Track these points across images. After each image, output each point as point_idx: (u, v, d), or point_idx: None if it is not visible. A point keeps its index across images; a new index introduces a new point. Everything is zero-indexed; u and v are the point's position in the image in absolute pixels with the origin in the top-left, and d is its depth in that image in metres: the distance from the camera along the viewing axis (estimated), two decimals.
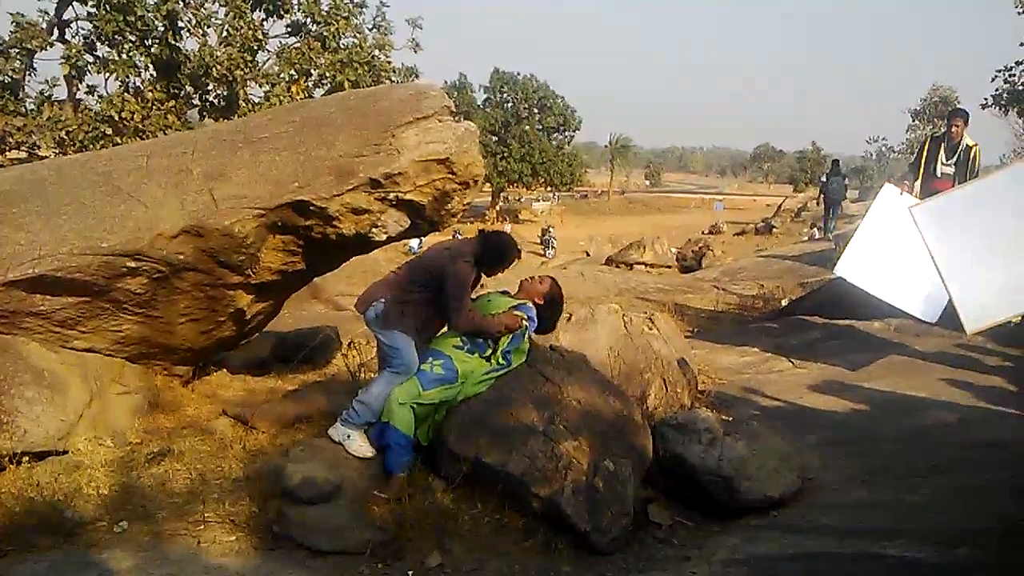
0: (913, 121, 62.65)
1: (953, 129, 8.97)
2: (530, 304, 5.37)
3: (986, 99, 29.48)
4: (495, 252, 5.21)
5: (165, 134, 14.62)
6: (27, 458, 4.87)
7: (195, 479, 4.97)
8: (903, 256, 7.40)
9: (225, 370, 7.16)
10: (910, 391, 6.65)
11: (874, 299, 7.67)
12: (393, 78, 18.76)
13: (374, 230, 5.63)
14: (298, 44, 18.29)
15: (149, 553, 4.14)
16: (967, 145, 8.85)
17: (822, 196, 22.50)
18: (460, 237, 5.38)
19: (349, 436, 5.00)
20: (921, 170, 9.03)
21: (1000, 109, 29.40)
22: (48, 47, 16.46)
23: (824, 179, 22.45)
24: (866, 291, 7.62)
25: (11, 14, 15.95)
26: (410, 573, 4.18)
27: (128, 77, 16.61)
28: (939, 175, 8.88)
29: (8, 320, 5.26)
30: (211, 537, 4.39)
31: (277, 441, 5.60)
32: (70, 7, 16.94)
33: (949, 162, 8.89)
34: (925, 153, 9.12)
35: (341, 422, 5.05)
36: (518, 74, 65.49)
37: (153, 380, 6.16)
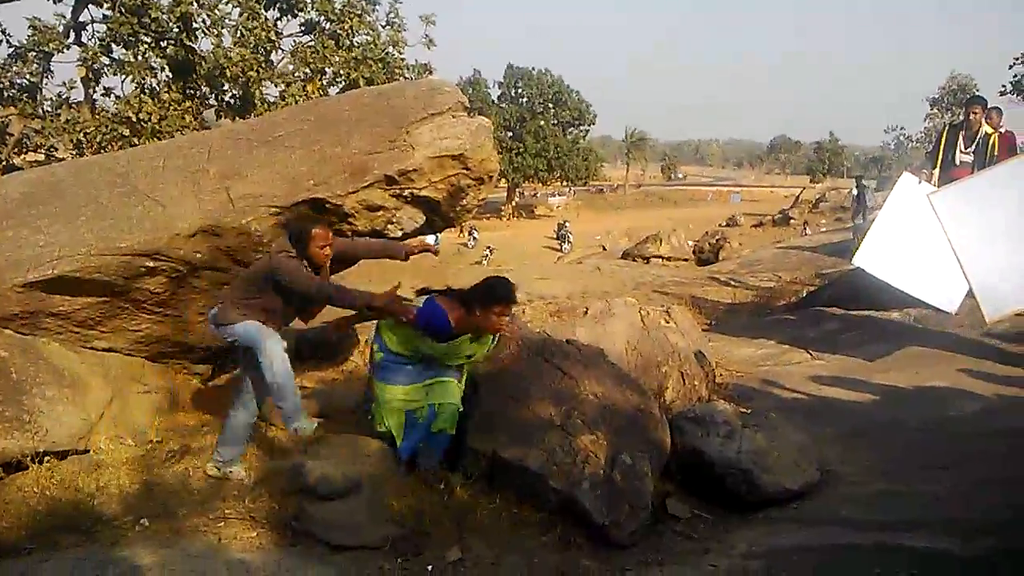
0: (931, 110, 62.26)
1: (971, 117, 8.87)
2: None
3: (1004, 86, 29.23)
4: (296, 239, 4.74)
5: (182, 134, 14.71)
6: (49, 457, 4.92)
7: (215, 476, 5.01)
8: (922, 245, 7.33)
9: None
10: (930, 382, 6.59)
11: (893, 289, 7.60)
12: (407, 75, 18.78)
13: (389, 227, 5.65)
14: (312, 42, 18.34)
15: (171, 550, 4.17)
16: (986, 133, 8.76)
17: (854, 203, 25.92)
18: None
19: (296, 426, 4.81)
20: (939, 159, 8.94)
21: (1019, 96, 29.13)
22: (65, 50, 16.62)
23: (855, 191, 26.48)
24: (885, 281, 7.56)
25: (28, 18, 16.10)
26: (430, 568, 4.19)
27: (144, 78, 16.75)
28: (958, 163, 8.78)
29: (29, 321, 5.31)
30: (232, 533, 4.41)
31: (295, 438, 5.63)
32: (86, 10, 17.06)
33: (967, 150, 8.80)
34: (943, 141, 9.03)
35: (285, 422, 4.91)
36: (532, 69, 65.48)
37: (173, 379, 6.21)
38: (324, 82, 18.12)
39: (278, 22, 18.00)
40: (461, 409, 4.83)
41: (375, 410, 4.97)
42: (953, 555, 3.75)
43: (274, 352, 4.71)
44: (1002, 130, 8.95)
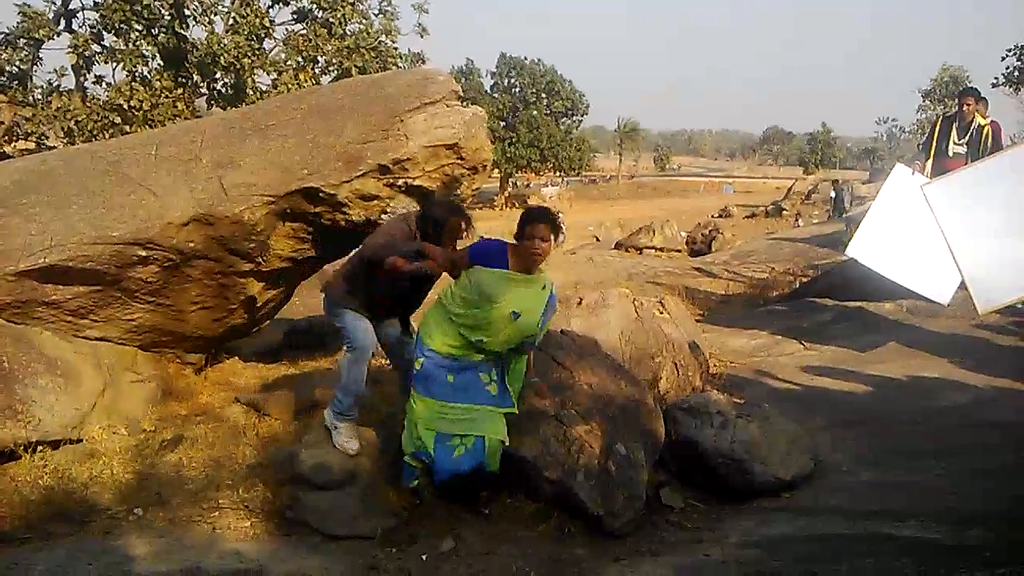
0: (924, 101, 62.34)
1: (964, 108, 8.88)
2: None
3: (997, 78, 29.29)
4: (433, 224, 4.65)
5: (173, 122, 14.64)
6: (42, 447, 4.91)
7: (209, 466, 5.00)
8: (915, 236, 7.34)
9: (237, 358, 7.19)
10: (922, 372, 6.62)
11: (886, 280, 7.61)
12: (400, 64, 18.72)
13: (383, 216, 5.63)
14: (304, 31, 18.26)
15: (165, 539, 4.17)
16: (979, 124, 8.77)
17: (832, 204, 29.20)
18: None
19: (336, 428, 4.80)
20: (932, 150, 8.95)
21: (1011, 88, 29.19)
22: (55, 37, 16.53)
23: (833, 194, 29.80)
24: (878, 272, 7.57)
25: (18, 4, 15.99)
26: (424, 557, 4.20)
27: (135, 66, 16.67)
28: (951, 155, 8.79)
29: (21, 310, 5.29)
30: (226, 523, 4.42)
31: (290, 428, 5.63)
32: None
33: (961, 142, 8.80)
34: (936, 133, 9.03)
35: (330, 409, 4.87)
36: (525, 59, 65.34)
37: (166, 368, 6.19)
38: (316, 71, 18.05)
39: (270, 10, 17.90)
40: (507, 443, 4.53)
41: (405, 436, 4.65)
42: (944, 544, 3.77)
43: (358, 356, 4.77)
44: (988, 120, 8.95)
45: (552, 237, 4.36)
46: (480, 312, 4.32)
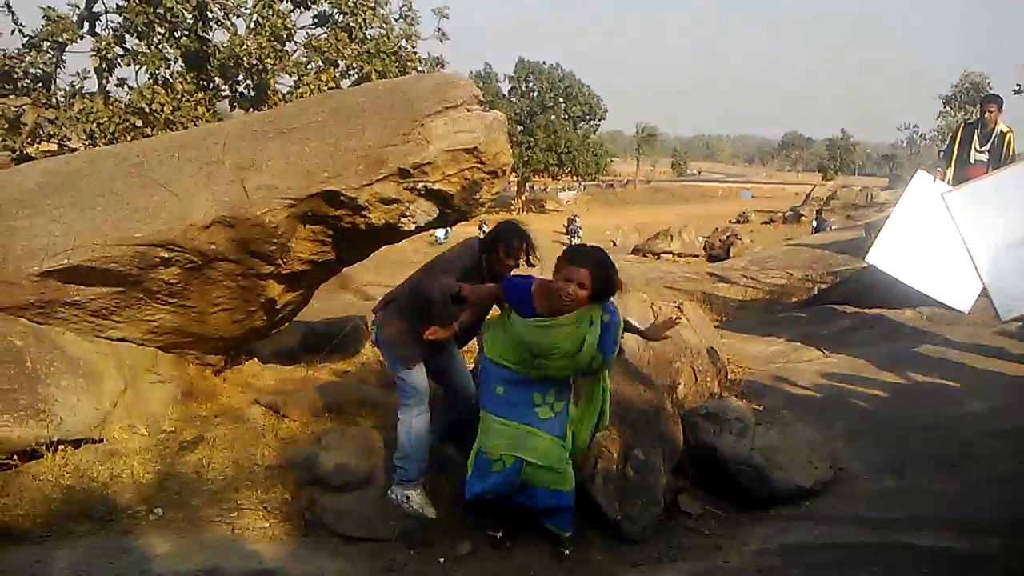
0: (944, 107, 61.91)
1: (987, 115, 8.82)
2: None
3: (1019, 84, 29.03)
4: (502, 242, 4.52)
5: (195, 125, 14.74)
6: (64, 446, 4.94)
7: (229, 467, 5.03)
8: (936, 244, 7.30)
9: (256, 359, 7.22)
10: (942, 380, 6.58)
11: (906, 287, 7.57)
12: (420, 68, 18.76)
13: (403, 220, 5.64)
14: (325, 35, 18.34)
15: (185, 539, 4.20)
16: (1001, 131, 8.70)
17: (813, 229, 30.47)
18: (487, 228, 5.11)
19: (408, 497, 4.61)
20: (954, 157, 8.89)
21: None
22: (78, 40, 16.64)
23: (815, 223, 32.24)
24: (898, 279, 7.53)
25: (42, 8, 16.13)
26: (441, 560, 4.21)
27: (158, 69, 16.76)
28: (973, 162, 8.74)
29: (44, 310, 5.34)
30: (245, 524, 4.44)
31: (309, 429, 5.66)
32: (100, 0, 17.09)
33: (983, 149, 8.74)
34: (958, 140, 8.98)
35: (396, 483, 4.66)
36: (543, 63, 65.39)
37: (186, 369, 6.23)
38: (337, 74, 18.11)
39: (291, 15, 17.98)
40: (559, 472, 4.14)
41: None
42: (962, 553, 3.75)
43: (417, 407, 4.63)
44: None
45: (591, 284, 3.78)
46: (522, 343, 4.01)
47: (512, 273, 4.42)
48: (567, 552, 4.27)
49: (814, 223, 32.58)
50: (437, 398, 4.90)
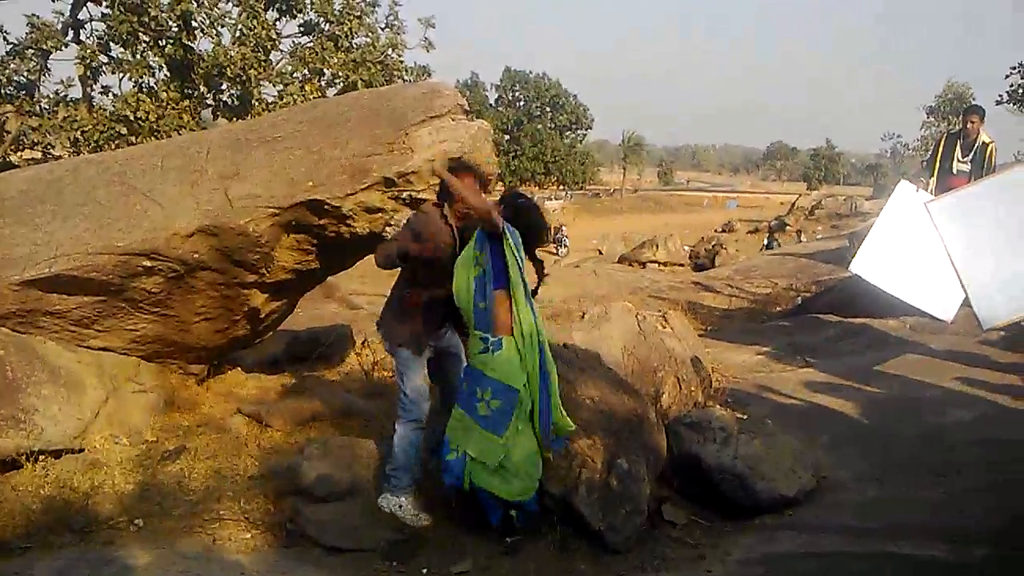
0: (928, 118, 62.35)
1: (969, 126, 8.90)
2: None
3: (1001, 95, 29.27)
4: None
5: (179, 134, 14.68)
6: (44, 456, 4.91)
7: (210, 477, 5.01)
8: (919, 253, 7.33)
9: (240, 369, 7.19)
10: (925, 389, 6.61)
11: (889, 297, 7.60)
12: (406, 77, 18.75)
13: (388, 229, 5.63)
14: (311, 44, 18.31)
15: (165, 550, 4.17)
16: (983, 142, 8.78)
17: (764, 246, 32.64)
18: None
19: (400, 505, 4.62)
20: (937, 167, 8.97)
21: (1015, 105, 29.17)
22: (63, 48, 16.53)
23: (766, 241, 34.38)
24: (881, 289, 7.55)
25: (26, 15, 16.05)
26: (424, 571, 4.19)
27: (142, 77, 16.68)
28: (955, 172, 8.81)
29: (25, 319, 5.30)
30: (227, 534, 4.42)
31: (292, 439, 5.64)
32: (84, 8, 17.00)
33: (965, 159, 8.82)
34: (941, 150, 9.06)
35: (388, 492, 4.67)
36: (530, 72, 65.61)
37: (168, 379, 6.19)
38: (323, 83, 18.07)
39: (277, 23, 17.94)
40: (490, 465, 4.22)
41: None
42: (946, 562, 3.76)
43: (413, 418, 4.66)
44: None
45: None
46: None
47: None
48: (508, 541, 4.36)
49: (765, 241, 34.93)
50: (436, 412, 4.89)
